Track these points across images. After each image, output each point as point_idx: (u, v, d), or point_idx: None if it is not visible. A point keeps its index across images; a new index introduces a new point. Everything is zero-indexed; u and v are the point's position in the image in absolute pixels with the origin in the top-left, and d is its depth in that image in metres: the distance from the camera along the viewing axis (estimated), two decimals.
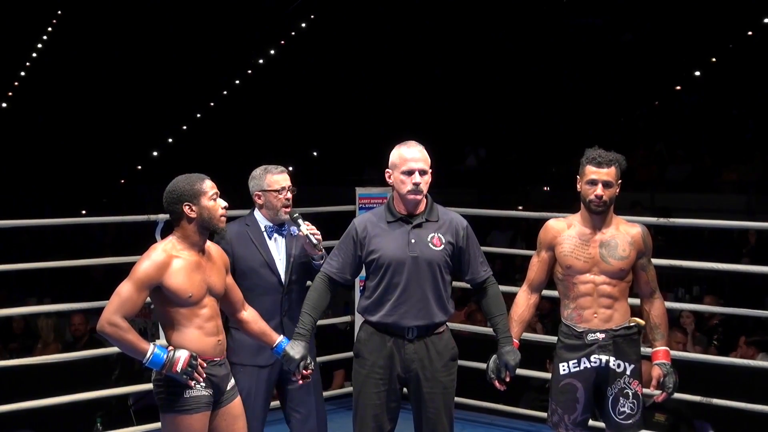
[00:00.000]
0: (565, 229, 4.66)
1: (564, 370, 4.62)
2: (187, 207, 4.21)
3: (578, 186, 4.61)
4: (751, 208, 14.47)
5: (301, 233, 4.93)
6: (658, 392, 4.66)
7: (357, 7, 21.36)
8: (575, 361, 4.59)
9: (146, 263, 4.13)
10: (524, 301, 4.77)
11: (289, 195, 5.01)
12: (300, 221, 4.96)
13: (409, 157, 4.53)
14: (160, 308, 4.20)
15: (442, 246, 4.55)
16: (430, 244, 4.53)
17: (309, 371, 4.56)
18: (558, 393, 4.65)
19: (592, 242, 4.58)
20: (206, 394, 4.19)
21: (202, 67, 21.76)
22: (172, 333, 4.20)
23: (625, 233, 4.60)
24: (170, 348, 4.15)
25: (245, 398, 4.91)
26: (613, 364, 4.55)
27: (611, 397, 4.56)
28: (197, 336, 4.19)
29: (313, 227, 4.96)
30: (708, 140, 16.51)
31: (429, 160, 4.57)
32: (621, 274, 4.57)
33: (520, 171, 16.61)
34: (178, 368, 4.09)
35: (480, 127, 18.06)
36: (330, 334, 8.51)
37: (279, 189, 4.98)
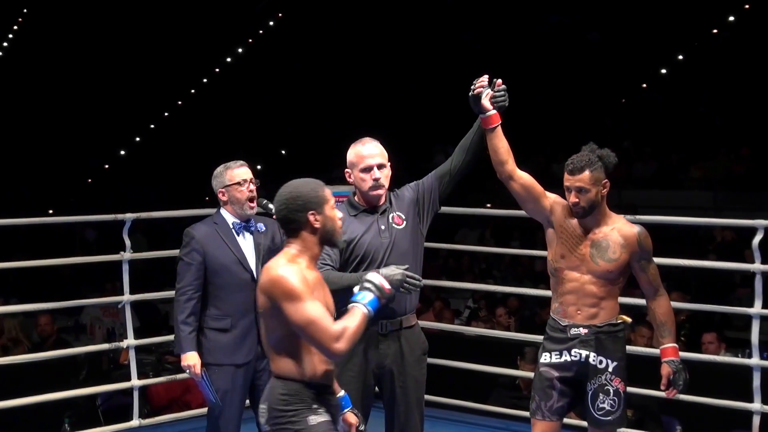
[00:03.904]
0: (569, 217, 4.61)
1: (545, 359, 4.61)
2: (312, 216, 3.69)
3: None
4: (718, 204, 14.57)
5: (275, 216, 4.92)
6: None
7: (325, 6, 21.35)
8: (557, 352, 4.58)
9: (294, 279, 3.56)
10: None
11: (253, 187, 5.01)
12: (270, 205, 4.97)
13: (366, 154, 4.56)
14: (286, 330, 3.64)
15: (404, 223, 4.57)
16: (394, 225, 4.55)
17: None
18: (536, 381, 4.65)
19: (583, 241, 4.56)
20: (329, 419, 3.74)
21: (170, 66, 21.66)
22: (296, 360, 3.67)
23: (618, 235, 4.57)
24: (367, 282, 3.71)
25: (222, 398, 4.92)
26: (594, 360, 4.54)
27: (590, 393, 4.55)
28: (322, 360, 3.69)
29: None
30: (674, 138, 16.61)
31: (386, 154, 4.60)
32: (609, 276, 4.54)
33: (488, 169, 16.66)
34: (389, 285, 3.69)
35: (448, 125, 18.08)
36: None
37: (240, 181, 4.99)
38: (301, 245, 3.69)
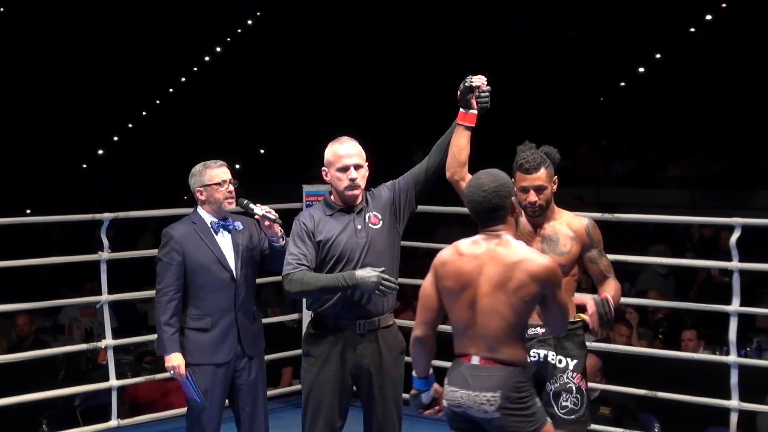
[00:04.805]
0: (520, 216, 4.58)
1: None
2: (514, 199, 3.95)
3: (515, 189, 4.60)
4: (695, 203, 14.63)
5: (257, 216, 4.93)
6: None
7: (303, 5, 21.33)
8: None
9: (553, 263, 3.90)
10: None
11: (232, 187, 5.00)
12: (251, 205, 4.96)
13: (343, 154, 4.55)
14: (528, 318, 3.93)
15: (380, 222, 4.57)
16: (370, 225, 4.55)
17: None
18: None
19: (534, 238, 4.57)
20: None
21: (147, 65, 21.59)
22: (522, 346, 3.91)
23: (567, 228, 4.57)
24: None
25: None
26: (553, 359, 4.52)
27: (552, 392, 4.51)
28: None
29: (265, 206, 4.96)
30: (652, 136, 16.67)
31: (363, 154, 4.61)
32: (563, 269, 4.53)
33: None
34: None
35: (427, 123, 18.10)
36: (277, 332, 8.50)
37: (220, 182, 4.98)
38: (511, 230, 3.91)
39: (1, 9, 21.81)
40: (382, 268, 4.40)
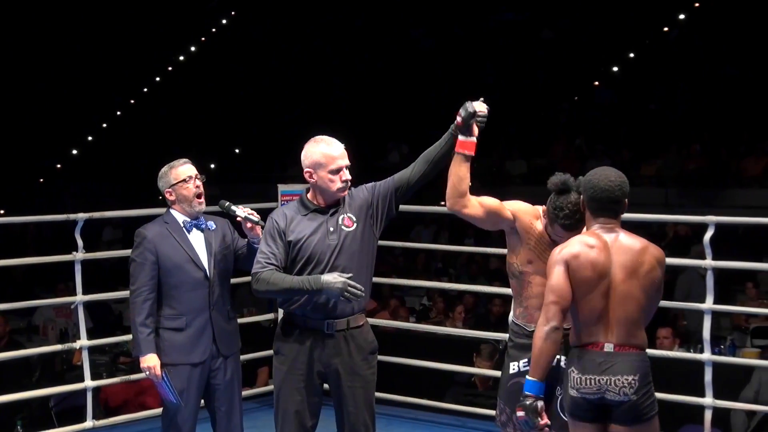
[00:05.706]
0: (535, 222, 4.53)
1: (514, 369, 4.47)
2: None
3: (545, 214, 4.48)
4: (669, 201, 14.71)
5: (239, 218, 4.92)
6: None
7: (277, 4, 21.31)
8: (525, 360, 4.38)
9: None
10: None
11: (199, 183, 4.98)
12: (233, 207, 4.95)
13: (337, 155, 4.52)
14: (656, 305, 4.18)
15: (354, 225, 4.55)
16: (343, 227, 4.53)
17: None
18: (507, 393, 4.49)
19: (552, 247, 4.45)
20: None
21: (122, 64, 21.53)
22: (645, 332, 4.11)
23: None
24: None
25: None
26: (564, 364, 4.46)
27: (560, 397, 4.44)
28: None
29: (247, 208, 4.95)
30: (626, 135, 16.75)
31: None
32: None
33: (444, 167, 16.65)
34: None
35: (403, 122, 18.13)
36: (253, 332, 8.49)
37: (186, 178, 4.96)
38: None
39: None
40: (350, 274, 4.37)
